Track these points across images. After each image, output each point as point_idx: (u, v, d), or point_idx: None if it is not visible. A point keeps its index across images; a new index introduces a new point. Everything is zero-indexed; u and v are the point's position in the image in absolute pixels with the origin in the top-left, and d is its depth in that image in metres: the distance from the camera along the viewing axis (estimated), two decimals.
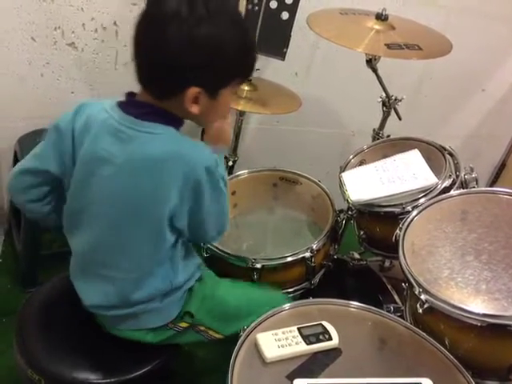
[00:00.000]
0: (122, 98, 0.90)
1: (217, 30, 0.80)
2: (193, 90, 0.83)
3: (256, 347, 0.87)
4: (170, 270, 0.95)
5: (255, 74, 1.49)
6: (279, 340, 0.87)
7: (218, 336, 1.06)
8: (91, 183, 0.89)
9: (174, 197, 0.85)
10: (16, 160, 1.58)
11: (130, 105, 0.88)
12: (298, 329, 0.90)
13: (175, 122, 0.88)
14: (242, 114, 1.53)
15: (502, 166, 2.33)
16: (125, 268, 0.93)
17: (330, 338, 0.89)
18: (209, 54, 0.81)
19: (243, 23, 0.87)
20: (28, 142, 1.50)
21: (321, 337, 0.89)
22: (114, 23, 1.54)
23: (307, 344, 0.88)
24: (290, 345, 0.87)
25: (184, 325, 1.02)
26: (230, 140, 1.13)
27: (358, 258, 1.51)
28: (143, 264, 0.92)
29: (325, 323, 0.92)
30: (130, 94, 0.90)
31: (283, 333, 0.89)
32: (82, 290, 0.99)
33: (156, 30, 0.80)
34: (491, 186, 2.35)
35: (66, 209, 0.96)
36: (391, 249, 1.13)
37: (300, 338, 0.88)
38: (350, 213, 1.34)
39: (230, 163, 1.60)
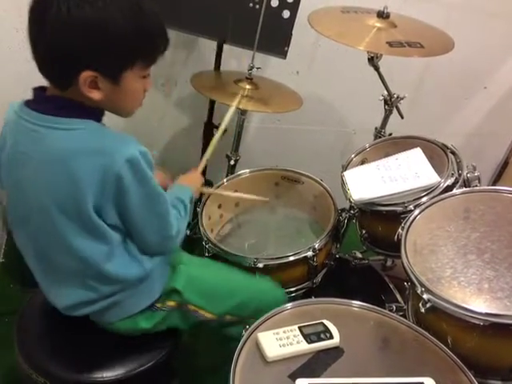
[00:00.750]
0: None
1: (101, 12, 0.77)
2: (85, 74, 0.80)
3: (257, 346, 0.87)
4: (134, 259, 0.93)
5: (257, 73, 1.50)
6: (280, 339, 0.87)
7: (209, 316, 1.04)
8: (19, 189, 0.88)
9: (94, 191, 0.82)
10: None
11: (38, 101, 0.86)
12: (299, 328, 0.90)
13: (92, 113, 0.85)
14: (243, 112, 1.53)
15: (505, 164, 2.32)
16: (78, 267, 0.90)
17: (332, 337, 0.89)
18: (93, 37, 0.78)
19: (140, 7, 0.81)
20: None
21: (322, 335, 0.89)
22: None
23: (308, 343, 0.88)
24: (291, 344, 0.87)
25: (172, 303, 1.02)
26: (198, 188, 1.19)
27: (360, 257, 1.51)
28: (94, 260, 0.89)
29: (326, 322, 0.92)
30: (39, 89, 0.86)
31: (284, 332, 0.89)
32: (52, 295, 0.97)
33: (38, 14, 0.79)
34: (494, 184, 2.34)
35: (9, 222, 0.95)
36: (393, 248, 1.13)
37: (301, 337, 0.88)
38: (352, 212, 1.34)
39: (232, 162, 1.60)
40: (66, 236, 0.87)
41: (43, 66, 0.82)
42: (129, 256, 0.93)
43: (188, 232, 1.26)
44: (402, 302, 1.30)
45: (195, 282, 1.04)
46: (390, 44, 1.26)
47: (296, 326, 0.90)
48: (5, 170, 0.90)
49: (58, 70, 0.82)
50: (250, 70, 1.47)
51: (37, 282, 0.98)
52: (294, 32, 1.48)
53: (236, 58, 1.66)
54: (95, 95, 0.83)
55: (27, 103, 0.87)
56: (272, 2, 1.45)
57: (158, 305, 1.01)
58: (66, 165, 0.82)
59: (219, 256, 1.23)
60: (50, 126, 0.83)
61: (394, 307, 1.19)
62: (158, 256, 0.98)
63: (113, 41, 0.80)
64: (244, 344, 0.87)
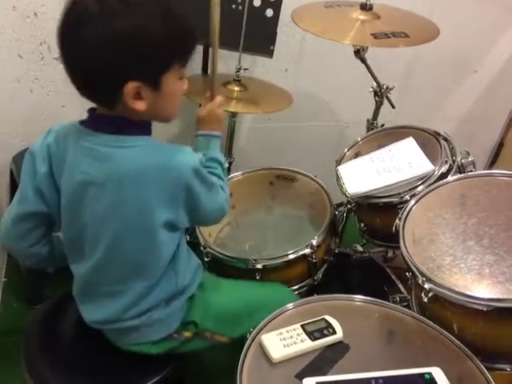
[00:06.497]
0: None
1: (134, 20, 0.77)
2: (130, 86, 0.80)
3: (262, 349, 0.87)
4: (172, 272, 0.96)
5: (245, 74, 1.50)
6: (284, 339, 0.87)
7: (224, 340, 1.06)
8: (82, 209, 0.89)
9: (167, 205, 0.86)
10: (13, 178, 1.58)
11: (95, 121, 0.87)
12: (302, 326, 0.90)
13: (147, 129, 0.89)
14: (234, 115, 1.53)
15: (500, 146, 2.32)
16: (132, 280, 0.93)
17: (335, 332, 0.89)
18: (131, 47, 0.77)
19: (169, 8, 0.82)
20: (23, 159, 1.49)
21: (325, 331, 0.89)
22: None
23: (312, 340, 0.87)
24: (295, 343, 0.87)
25: (188, 334, 1.02)
26: (224, 123, 1.11)
27: (361, 251, 1.50)
28: (150, 272, 0.93)
29: (327, 317, 0.92)
30: (91, 110, 0.88)
31: (287, 331, 0.89)
32: (86, 309, 1.00)
33: (71, 32, 0.78)
34: (490, 166, 2.34)
35: (64, 239, 0.97)
36: (393, 239, 1.12)
37: (305, 335, 0.88)
38: (349, 206, 1.33)
39: (227, 165, 1.59)
40: (123, 250, 0.90)
41: (86, 88, 0.83)
42: (172, 265, 0.96)
43: (188, 237, 1.25)
44: (405, 292, 1.30)
45: (213, 311, 1.04)
46: (375, 36, 1.26)
47: (298, 325, 0.90)
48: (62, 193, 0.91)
49: (102, 88, 0.82)
50: (238, 71, 1.47)
51: (42, 298, 0.98)
52: (279, 30, 1.48)
53: (223, 60, 1.65)
54: (140, 106, 0.83)
55: (83, 123, 0.88)
56: (254, 2, 1.45)
57: (175, 335, 1.01)
58: (138, 181, 0.84)
59: (218, 260, 1.23)
60: (112, 145, 0.84)
61: (398, 298, 1.19)
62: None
63: (150, 46, 0.80)
64: (249, 347, 0.87)
